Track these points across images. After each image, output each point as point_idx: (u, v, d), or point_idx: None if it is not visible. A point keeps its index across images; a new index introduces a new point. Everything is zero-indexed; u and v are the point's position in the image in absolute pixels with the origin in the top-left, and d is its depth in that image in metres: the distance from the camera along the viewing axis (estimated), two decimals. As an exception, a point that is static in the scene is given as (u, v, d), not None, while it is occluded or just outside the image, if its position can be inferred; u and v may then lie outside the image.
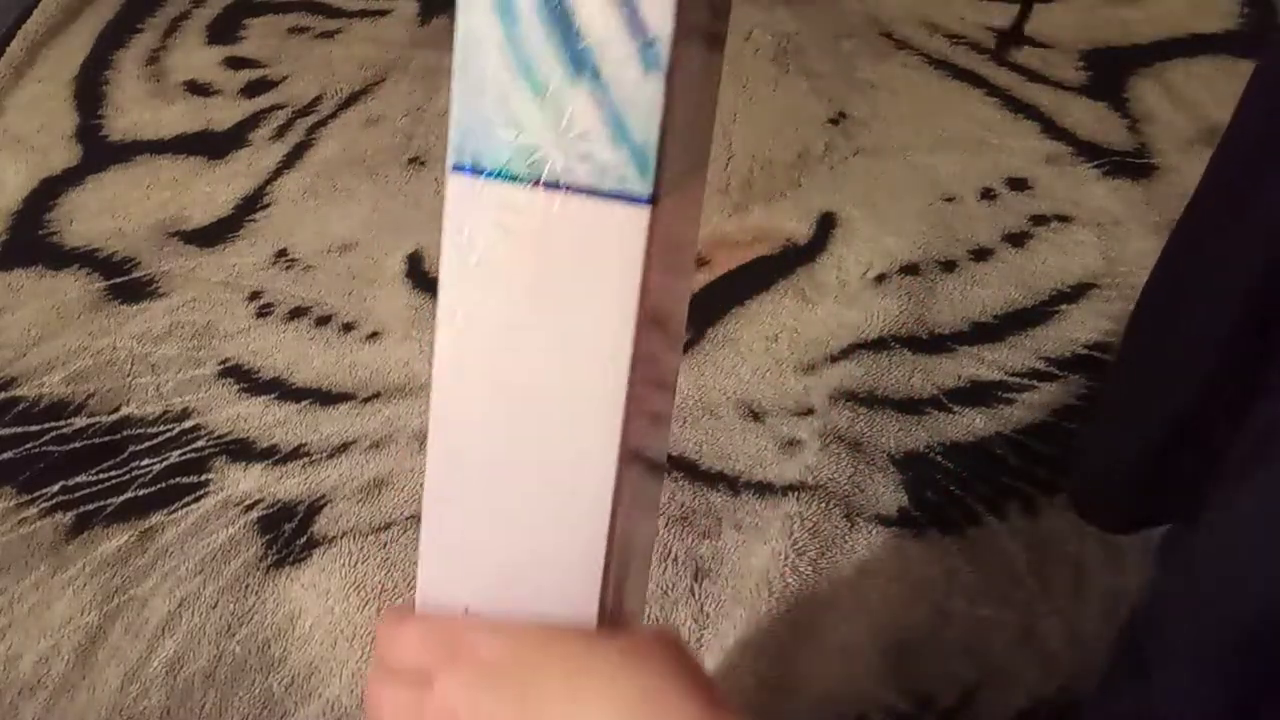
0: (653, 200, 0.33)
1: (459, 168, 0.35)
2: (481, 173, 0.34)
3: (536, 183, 0.34)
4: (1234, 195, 0.46)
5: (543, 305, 0.35)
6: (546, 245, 0.34)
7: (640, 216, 0.33)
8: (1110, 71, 1.06)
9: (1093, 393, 0.77)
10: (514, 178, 0.34)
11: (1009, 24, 1.06)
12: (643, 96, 0.32)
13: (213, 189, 0.96)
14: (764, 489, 0.71)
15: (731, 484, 0.71)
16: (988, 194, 0.93)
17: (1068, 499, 0.60)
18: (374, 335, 0.82)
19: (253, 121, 1.02)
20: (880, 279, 0.85)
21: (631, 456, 0.36)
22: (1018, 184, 0.94)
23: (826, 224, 0.90)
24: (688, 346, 0.80)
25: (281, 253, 0.89)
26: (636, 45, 0.32)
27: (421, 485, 0.77)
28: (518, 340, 0.35)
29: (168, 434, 0.75)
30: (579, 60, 0.33)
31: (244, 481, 0.72)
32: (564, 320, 0.35)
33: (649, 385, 0.37)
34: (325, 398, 0.78)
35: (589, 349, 0.35)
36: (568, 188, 0.34)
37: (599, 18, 0.32)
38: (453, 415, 0.37)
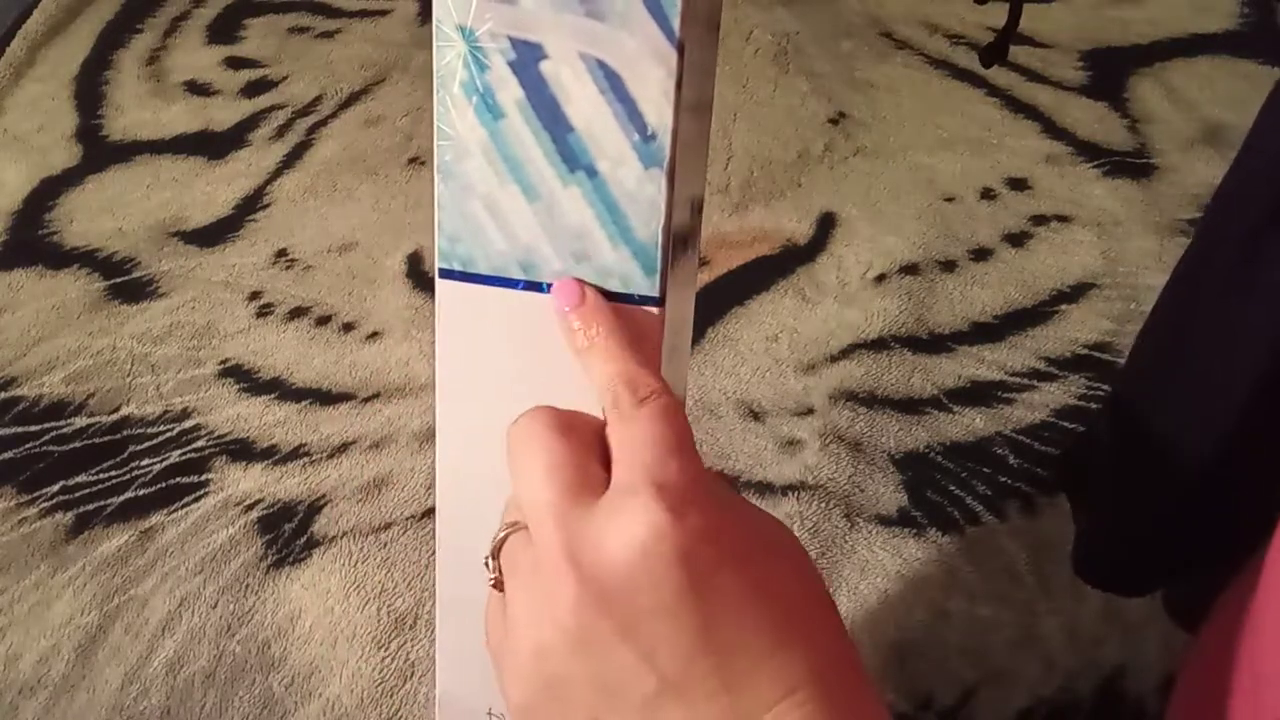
0: (660, 300, 0.31)
1: (448, 273, 0.32)
2: (473, 278, 0.32)
3: (533, 286, 0.32)
4: (1255, 238, 0.41)
5: (543, 399, 0.32)
6: (548, 348, 0.32)
7: (648, 317, 0.31)
8: (1110, 71, 1.06)
9: (1093, 404, 0.77)
10: (509, 282, 0.32)
11: (999, 33, 1.06)
12: (643, 193, 0.30)
13: (213, 189, 0.96)
14: (764, 489, 0.71)
15: (731, 484, 0.71)
16: (987, 194, 0.93)
17: (1072, 567, 0.58)
18: (374, 335, 0.82)
19: (253, 121, 1.02)
20: (880, 279, 0.85)
21: None
22: (1017, 184, 0.94)
23: (826, 224, 0.90)
24: (688, 346, 0.80)
25: (281, 253, 0.89)
26: (634, 140, 0.30)
27: (421, 486, 0.77)
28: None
29: (168, 434, 0.75)
30: (572, 157, 0.30)
31: (244, 481, 0.72)
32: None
33: None
34: (325, 398, 0.78)
35: None
36: None
37: (592, 112, 0.30)
38: (459, 518, 0.35)
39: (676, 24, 0.29)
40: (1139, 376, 0.52)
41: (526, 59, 0.30)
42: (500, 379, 0.33)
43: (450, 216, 0.32)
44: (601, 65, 0.30)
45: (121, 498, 0.72)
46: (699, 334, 0.81)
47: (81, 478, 0.73)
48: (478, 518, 0.34)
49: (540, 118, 0.30)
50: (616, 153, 0.30)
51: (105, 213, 0.93)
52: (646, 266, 0.31)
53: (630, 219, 0.31)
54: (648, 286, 0.31)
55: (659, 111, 0.30)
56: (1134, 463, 0.50)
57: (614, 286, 0.31)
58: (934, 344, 0.80)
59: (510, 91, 0.30)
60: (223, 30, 1.14)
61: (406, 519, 0.70)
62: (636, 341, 0.32)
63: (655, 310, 0.31)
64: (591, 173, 0.31)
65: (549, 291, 0.32)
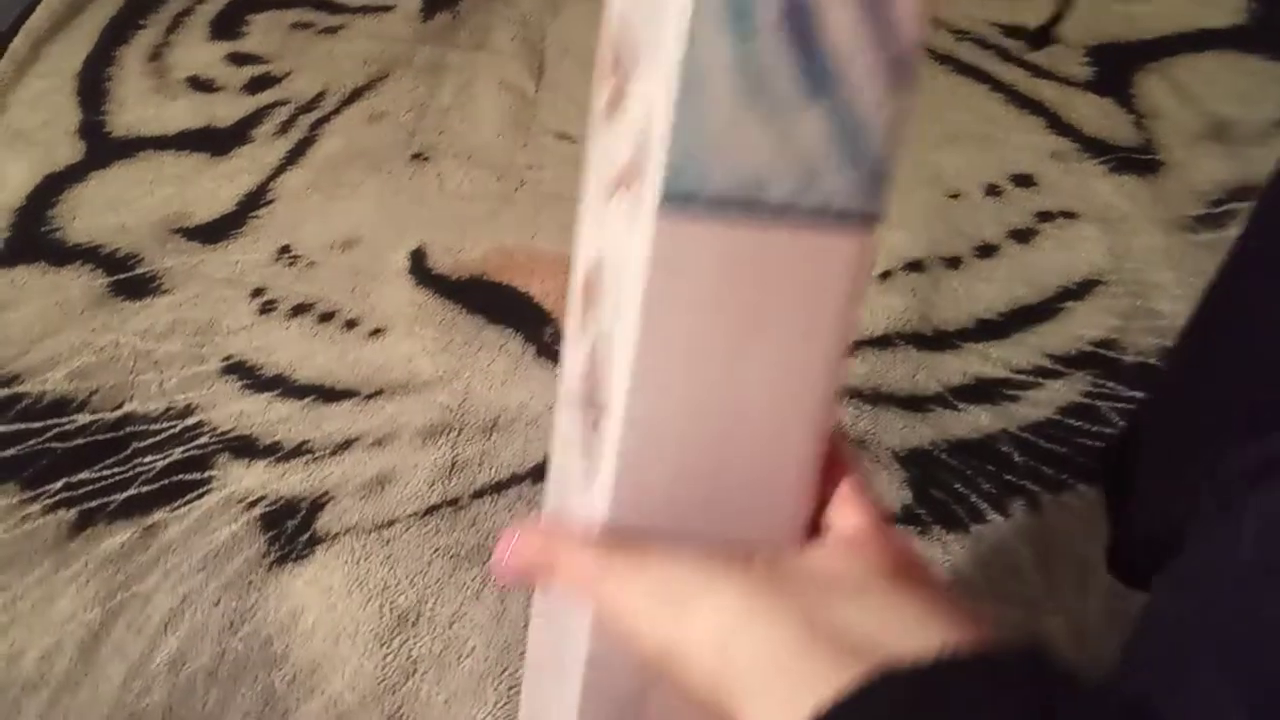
0: (877, 220, 0.32)
1: (673, 197, 0.33)
2: (699, 200, 0.33)
3: (759, 208, 0.32)
4: None
5: (751, 332, 0.33)
6: (763, 272, 0.33)
7: (863, 240, 0.32)
8: (1116, 67, 1.06)
9: (1099, 401, 0.76)
10: (736, 205, 0.33)
11: (1042, 22, 1.06)
12: (883, 114, 0.31)
13: (216, 185, 0.95)
14: (768, 486, 0.71)
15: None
16: (993, 190, 0.93)
17: (1107, 568, 0.58)
18: (377, 332, 0.82)
19: (256, 117, 1.02)
20: (885, 276, 0.85)
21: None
22: (1023, 180, 0.94)
23: (831, 220, 0.90)
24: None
25: (284, 249, 0.89)
26: (885, 59, 0.30)
27: (424, 482, 0.77)
28: (719, 368, 0.34)
29: (171, 431, 0.75)
30: (819, 78, 0.31)
31: (247, 478, 0.72)
32: (771, 347, 0.33)
33: (834, 405, 0.36)
34: (328, 394, 0.77)
35: (794, 377, 0.34)
36: (793, 212, 0.32)
37: (846, 31, 0.30)
38: (645, 436, 0.35)
39: None
40: (1185, 367, 0.52)
41: None
42: (713, 304, 0.33)
43: (682, 140, 0.32)
44: None
45: (124, 494, 0.72)
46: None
47: (84, 474, 0.73)
48: (668, 424, 0.34)
49: (792, 39, 0.31)
50: (865, 73, 0.31)
51: (108, 209, 0.93)
52: (872, 188, 0.32)
53: (865, 141, 0.31)
54: (875, 205, 0.32)
55: (910, 31, 0.30)
56: (1180, 457, 0.50)
57: (840, 204, 0.32)
58: (939, 341, 0.80)
59: (767, 13, 0.31)
60: (226, 26, 1.14)
61: (409, 516, 0.70)
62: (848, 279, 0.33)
63: (871, 233, 0.32)
64: (835, 94, 0.31)
65: (780, 214, 0.32)
